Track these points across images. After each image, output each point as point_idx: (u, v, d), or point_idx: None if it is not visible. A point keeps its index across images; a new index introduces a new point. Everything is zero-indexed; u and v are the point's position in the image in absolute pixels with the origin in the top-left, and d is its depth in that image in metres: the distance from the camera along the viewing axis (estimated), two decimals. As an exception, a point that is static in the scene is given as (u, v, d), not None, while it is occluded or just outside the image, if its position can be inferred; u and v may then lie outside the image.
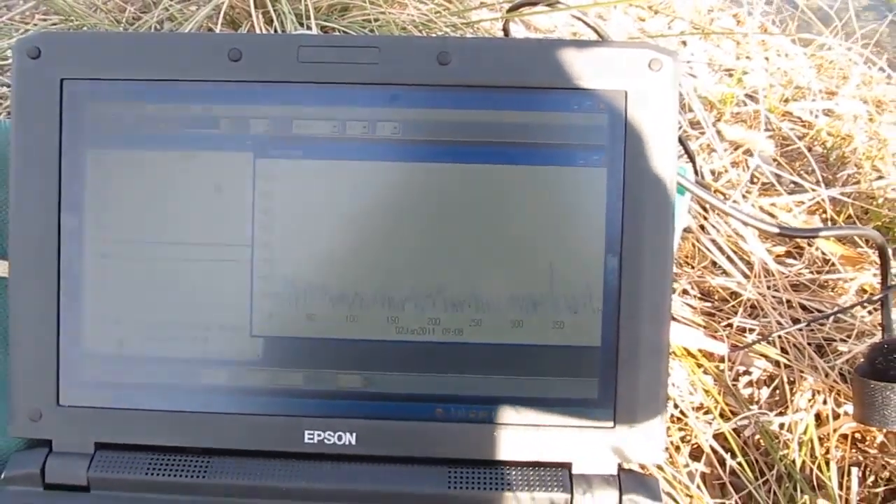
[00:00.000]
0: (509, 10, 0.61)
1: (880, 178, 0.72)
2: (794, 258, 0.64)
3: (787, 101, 0.95)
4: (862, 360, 0.48)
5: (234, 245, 0.42)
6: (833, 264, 0.62)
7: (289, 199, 0.41)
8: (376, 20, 0.70)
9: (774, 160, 0.74)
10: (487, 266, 0.41)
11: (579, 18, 0.59)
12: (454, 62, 0.41)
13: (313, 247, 0.41)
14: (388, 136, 0.41)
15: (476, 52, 0.42)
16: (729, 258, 0.59)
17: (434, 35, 0.68)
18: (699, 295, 0.60)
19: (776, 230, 0.50)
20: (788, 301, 0.57)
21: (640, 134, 0.41)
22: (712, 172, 0.73)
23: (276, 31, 0.68)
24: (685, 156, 0.70)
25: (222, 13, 0.70)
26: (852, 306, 0.57)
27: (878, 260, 0.53)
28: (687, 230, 0.61)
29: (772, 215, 0.69)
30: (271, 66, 0.41)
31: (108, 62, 0.42)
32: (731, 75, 1.01)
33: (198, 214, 0.42)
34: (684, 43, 1.12)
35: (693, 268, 0.61)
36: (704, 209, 0.63)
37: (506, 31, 0.63)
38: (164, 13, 0.75)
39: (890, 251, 0.64)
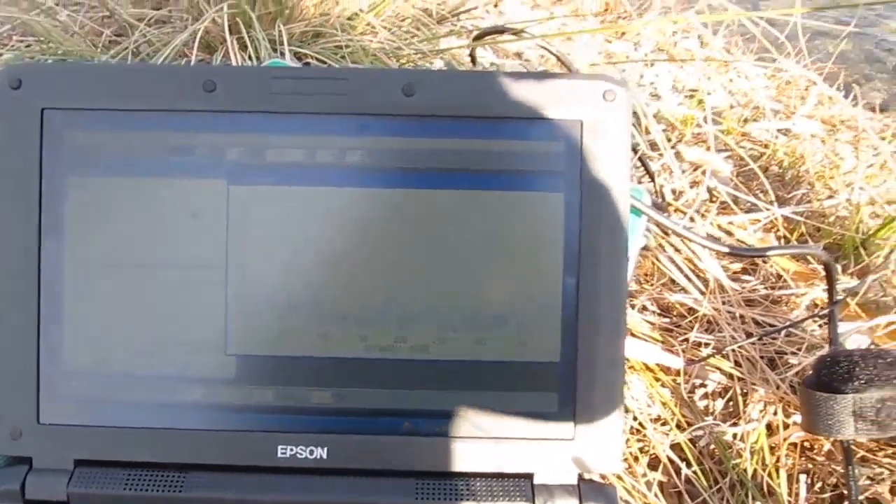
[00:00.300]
0: (475, 39, 0.64)
1: (831, 196, 0.75)
2: (750, 274, 0.66)
3: (746, 121, 0.98)
4: (810, 372, 0.51)
5: (210, 267, 0.43)
6: (786, 280, 0.65)
7: (262, 223, 0.43)
8: (347, 47, 0.72)
9: (731, 180, 0.77)
10: (452, 286, 0.43)
11: (544, 48, 0.61)
12: (418, 93, 0.43)
13: (285, 269, 0.43)
14: (357, 163, 0.43)
15: (439, 83, 0.44)
16: (686, 276, 0.62)
17: (400, 66, 0.71)
18: (658, 311, 0.62)
19: (726, 250, 0.52)
20: (742, 316, 0.60)
21: (595, 161, 0.44)
22: (673, 192, 0.76)
23: (250, 57, 0.70)
24: (646, 175, 0.72)
25: (198, 39, 0.72)
26: (802, 321, 0.59)
27: (827, 276, 0.56)
28: (646, 248, 0.63)
29: (729, 233, 0.71)
30: (244, 97, 0.43)
31: (87, 92, 0.43)
32: (692, 97, 1.05)
33: (174, 238, 0.43)
34: (649, 64, 1.15)
35: (652, 285, 0.63)
36: (664, 229, 0.65)
37: (473, 58, 0.65)
38: (141, 38, 0.76)
39: (839, 267, 0.67)
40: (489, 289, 0.43)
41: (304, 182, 0.43)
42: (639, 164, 0.70)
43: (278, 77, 0.44)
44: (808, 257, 0.66)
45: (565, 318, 0.43)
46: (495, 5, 1.09)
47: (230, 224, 0.43)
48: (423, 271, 0.43)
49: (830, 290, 0.54)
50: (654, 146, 0.75)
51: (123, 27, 0.86)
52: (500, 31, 0.62)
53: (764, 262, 0.66)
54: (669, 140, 0.86)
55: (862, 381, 0.46)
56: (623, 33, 1.32)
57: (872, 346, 0.60)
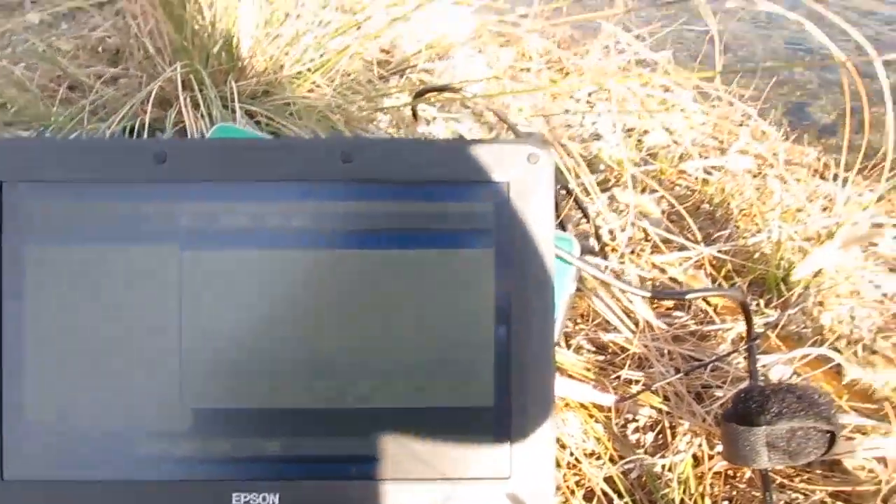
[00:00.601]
0: (416, 96, 0.67)
1: (756, 233, 0.80)
2: (681, 310, 0.70)
3: (682, 157, 1.03)
4: (730, 405, 0.55)
5: (165, 327, 0.46)
6: (713, 316, 0.69)
7: (213, 284, 0.46)
8: (295, 104, 0.75)
9: (662, 221, 0.81)
10: (393, 338, 0.47)
11: (488, 108, 0.65)
12: (356, 160, 0.47)
13: (236, 327, 0.46)
14: (301, 227, 0.47)
15: (375, 150, 0.47)
16: (618, 316, 0.65)
17: (346, 121, 0.74)
18: (594, 349, 0.66)
19: (648, 294, 0.56)
20: (670, 352, 0.64)
21: (522, 218, 0.47)
22: (611, 232, 0.80)
23: (202, 115, 0.73)
24: (584, 217, 0.77)
25: (153, 97, 0.75)
26: (725, 356, 0.64)
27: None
28: (579, 290, 0.67)
29: (663, 271, 0.76)
30: (193, 167, 0.47)
31: (44, 167, 0.46)
32: (632, 135, 1.10)
33: (131, 300, 0.46)
34: (591, 105, 1.20)
35: (588, 325, 0.67)
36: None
37: (414, 113, 0.69)
38: (97, 97, 0.79)
39: (763, 302, 0.72)
40: (427, 340, 0.47)
41: (251, 245, 0.47)
42: (577, 207, 0.74)
43: (225, 148, 0.47)
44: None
45: (498, 366, 0.47)
46: (440, 56, 1.13)
47: (183, 286, 0.46)
48: (366, 325, 0.47)
49: (748, 328, 0.58)
50: (590, 189, 0.79)
51: (78, 82, 0.89)
52: (440, 89, 0.66)
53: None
54: (608, 181, 0.91)
55: (773, 414, 0.50)
56: (568, 72, 1.38)
57: (793, 378, 0.64)
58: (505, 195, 0.47)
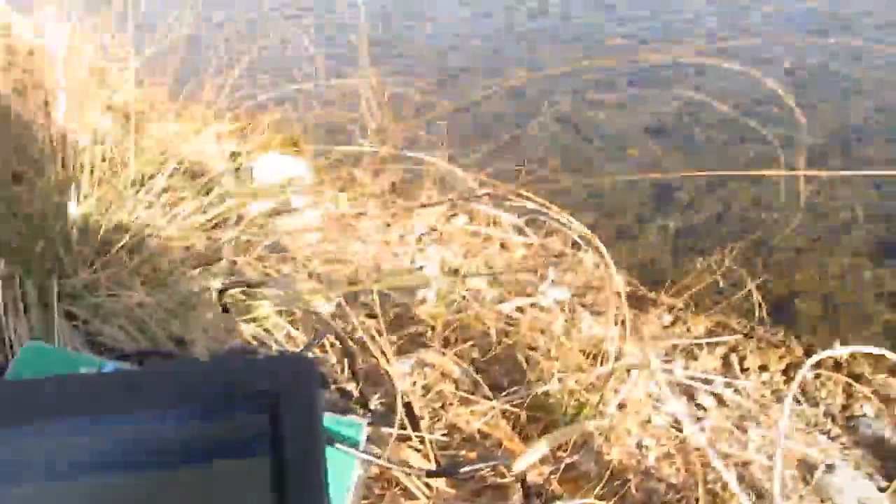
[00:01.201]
0: (220, 291, 0.74)
1: (548, 381, 0.89)
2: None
3: (500, 297, 1.13)
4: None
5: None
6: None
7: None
8: (115, 302, 0.81)
9: (463, 380, 0.89)
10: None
11: (293, 306, 0.72)
12: (141, 388, 0.52)
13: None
14: (93, 458, 0.51)
15: (157, 376, 0.53)
16: (415, 484, 0.72)
17: (154, 318, 0.79)
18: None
19: (423, 474, 0.63)
20: (463, 514, 0.71)
21: (294, 425, 0.54)
22: (425, 388, 0.87)
23: (22, 319, 0.77)
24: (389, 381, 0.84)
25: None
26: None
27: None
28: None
29: (468, 422, 0.83)
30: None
31: None
32: (456, 273, 1.19)
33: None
34: (422, 250, 1.30)
35: (392, 489, 0.73)
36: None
37: (224, 307, 0.75)
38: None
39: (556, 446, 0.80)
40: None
41: (45, 479, 0.51)
42: (384, 371, 0.82)
43: (19, 387, 0.52)
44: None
45: (280, 563, 0.52)
46: (277, 214, 1.20)
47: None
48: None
49: (524, 491, 0.65)
50: (388, 354, 0.86)
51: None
52: (244, 283, 0.73)
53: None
54: (425, 333, 0.99)
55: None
56: (398, 217, 1.48)
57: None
58: (277, 405, 0.54)
